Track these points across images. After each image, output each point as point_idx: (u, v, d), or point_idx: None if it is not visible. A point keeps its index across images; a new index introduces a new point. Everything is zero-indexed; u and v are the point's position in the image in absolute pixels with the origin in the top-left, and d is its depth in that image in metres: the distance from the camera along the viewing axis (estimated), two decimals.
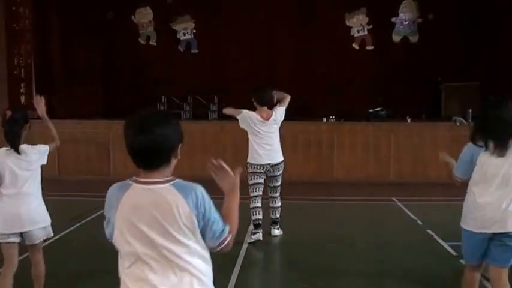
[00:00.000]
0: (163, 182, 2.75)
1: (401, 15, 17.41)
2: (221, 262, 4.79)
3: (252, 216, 8.19)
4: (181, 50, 17.99)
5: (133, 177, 2.80)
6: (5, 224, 5.20)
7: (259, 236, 8.17)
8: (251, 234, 8.20)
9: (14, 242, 5.28)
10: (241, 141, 13.71)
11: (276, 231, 8.60)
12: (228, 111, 8.64)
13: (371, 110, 15.31)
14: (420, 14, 17.22)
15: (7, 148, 5.24)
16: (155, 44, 18.05)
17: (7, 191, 5.23)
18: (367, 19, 17.32)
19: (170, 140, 2.76)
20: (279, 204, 8.49)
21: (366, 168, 13.19)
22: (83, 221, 9.23)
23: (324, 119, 14.26)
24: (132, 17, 17.93)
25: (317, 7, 17.44)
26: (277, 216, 8.55)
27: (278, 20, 17.67)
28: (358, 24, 17.41)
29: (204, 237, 2.81)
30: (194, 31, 17.88)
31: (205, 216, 2.77)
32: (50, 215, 5.45)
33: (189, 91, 17.07)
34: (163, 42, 18.03)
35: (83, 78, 17.18)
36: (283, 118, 8.41)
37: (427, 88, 16.67)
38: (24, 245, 5.38)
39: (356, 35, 17.43)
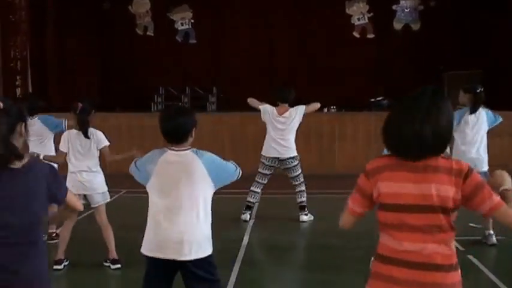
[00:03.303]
0: (185, 150, 4.12)
1: (402, 2, 17.27)
2: (221, 258, 4.67)
3: (248, 197, 8.85)
4: (179, 41, 17.83)
5: (167, 147, 4.13)
6: (72, 188, 6.06)
7: (246, 216, 8.82)
8: (242, 213, 8.83)
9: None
10: (239, 132, 13.73)
11: (304, 217, 8.89)
12: (252, 102, 9.08)
13: (372, 100, 15.14)
14: (421, 1, 17.07)
15: (77, 131, 6.65)
16: (152, 34, 17.89)
17: (73, 165, 6.65)
18: (367, 7, 17.18)
19: (187, 125, 4.13)
20: (303, 188, 8.87)
21: (368, 159, 12.70)
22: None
23: (325, 109, 14.08)
24: (129, 7, 17.77)
25: None
26: (303, 199, 8.89)
27: (277, 8, 17.49)
28: (358, 12, 17.26)
29: (220, 179, 4.15)
30: (192, 21, 17.71)
31: (215, 167, 4.11)
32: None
33: (187, 82, 16.93)
34: (161, 33, 17.84)
35: (79, 70, 17.05)
36: (301, 117, 8.75)
37: (429, 77, 16.45)
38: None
39: (356, 23, 17.28)
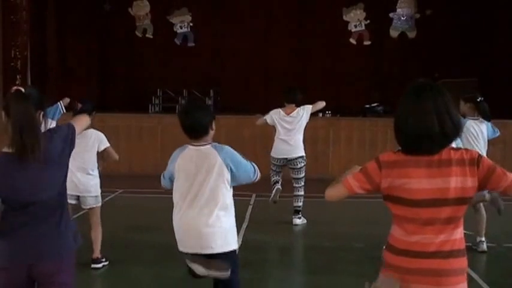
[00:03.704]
0: (205, 145, 4.27)
1: (399, 10, 17.37)
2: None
3: (272, 180, 8.97)
4: (178, 43, 17.92)
5: (188, 144, 4.29)
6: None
7: (278, 186, 8.90)
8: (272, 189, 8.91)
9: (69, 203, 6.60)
10: (236, 135, 13.81)
11: (298, 221, 9.02)
12: (260, 122, 9.24)
13: (367, 106, 15.27)
14: (418, 10, 17.19)
15: None
16: (152, 36, 17.96)
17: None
18: (364, 14, 17.28)
19: (205, 119, 4.29)
20: (302, 193, 9.01)
21: (362, 164, 13.01)
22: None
23: (320, 114, 14.21)
24: (129, 9, 17.85)
25: (315, 2, 17.36)
26: (299, 204, 9.02)
27: (276, 14, 17.60)
28: (355, 19, 17.37)
29: (238, 175, 4.27)
30: (191, 24, 17.81)
31: (234, 163, 4.23)
32: None
33: (185, 84, 17.03)
34: (160, 35, 17.94)
35: (79, 70, 17.12)
36: (308, 115, 8.97)
37: None
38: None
39: (353, 30, 17.39)
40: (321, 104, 9.19)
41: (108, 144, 6.82)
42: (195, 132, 4.28)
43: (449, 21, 16.81)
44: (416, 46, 17.14)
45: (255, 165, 4.38)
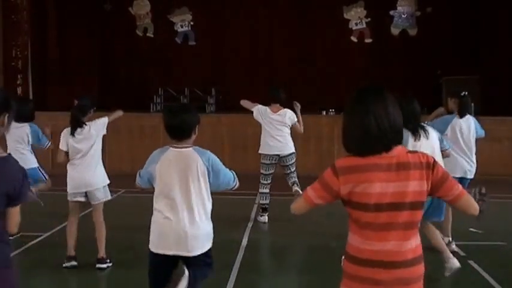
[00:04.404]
0: (187, 147, 4.25)
1: (399, 8, 17.38)
2: (220, 259, 4.79)
3: (260, 200, 9.03)
4: (179, 42, 17.91)
5: (169, 145, 4.26)
6: (73, 187, 6.58)
7: (265, 219, 8.89)
8: (259, 215, 8.95)
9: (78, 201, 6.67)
10: (238, 133, 13.80)
11: (297, 188, 8.83)
12: (244, 103, 9.22)
13: None
14: (419, 7, 17.19)
15: (68, 129, 6.53)
16: (152, 35, 17.97)
17: (71, 162, 6.59)
18: (365, 12, 17.29)
19: (191, 121, 4.25)
20: (298, 189, 8.81)
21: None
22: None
23: (324, 112, 14.19)
24: (130, 8, 17.84)
25: (316, 0, 17.33)
26: (296, 180, 8.87)
27: (277, 12, 17.58)
28: (356, 17, 17.36)
29: (217, 181, 4.29)
30: (192, 23, 17.80)
31: (214, 168, 4.26)
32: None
33: (186, 83, 17.02)
34: (161, 34, 17.92)
35: (80, 70, 17.09)
36: (291, 123, 8.93)
37: (427, 81, 16.57)
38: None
39: (354, 28, 17.40)
40: (300, 129, 9.09)
41: (106, 120, 6.82)
42: (181, 133, 4.25)
43: (450, 19, 16.80)
44: (418, 44, 17.13)
45: (235, 174, 4.43)
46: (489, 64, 15.82)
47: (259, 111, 8.96)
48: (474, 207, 2.96)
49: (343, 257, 3.07)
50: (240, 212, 9.20)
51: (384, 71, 16.93)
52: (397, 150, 2.91)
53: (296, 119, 8.96)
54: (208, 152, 4.31)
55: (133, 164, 13.34)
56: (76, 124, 6.51)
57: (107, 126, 6.80)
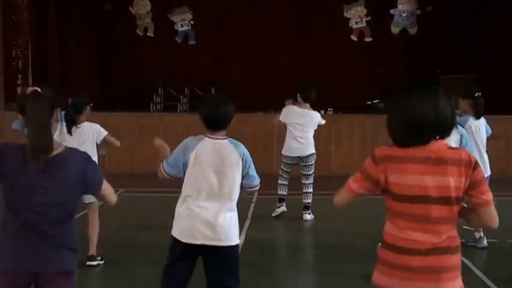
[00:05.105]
0: (222, 139, 4.27)
1: (399, 6, 17.38)
2: None
3: (278, 191, 9.13)
4: (179, 42, 17.93)
5: (204, 134, 4.25)
6: None
7: (283, 208, 9.07)
8: (276, 208, 9.05)
9: None
10: (237, 133, 13.73)
11: (308, 216, 9.07)
12: (277, 122, 9.37)
13: (369, 103, 15.25)
14: (419, 6, 17.18)
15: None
16: (152, 35, 17.99)
17: None
18: (365, 11, 17.29)
19: (230, 113, 4.29)
20: (310, 190, 9.12)
21: (364, 161, 13.04)
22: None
23: (322, 111, 14.18)
24: (130, 8, 17.86)
25: None
26: (309, 201, 9.12)
27: (277, 11, 17.60)
28: (356, 16, 17.37)
29: (247, 175, 4.32)
30: (192, 23, 17.82)
31: (247, 162, 4.30)
32: None
33: (186, 83, 17.05)
34: (161, 34, 17.95)
35: (80, 70, 17.13)
36: (316, 126, 9.22)
37: None
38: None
39: (354, 26, 17.40)
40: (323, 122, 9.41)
41: (105, 133, 6.67)
42: (220, 124, 4.26)
43: (450, 17, 16.82)
44: (418, 42, 17.14)
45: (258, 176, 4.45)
46: (488, 63, 15.83)
47: (284, 113, 9.10)
48: (495, 221, 2.98)
49: (379, 244, 3.11)
50: (238, 210, 9.19)
51: (384, 69, 16.95)
52: (438, 144, 2.93)
53: (323, 122, 9.27)
54: (242, 145, 4.35)
55: (132, 164, 13.44)
56: (72, 124, 6.49)
57: (102, 139, 6.63)
